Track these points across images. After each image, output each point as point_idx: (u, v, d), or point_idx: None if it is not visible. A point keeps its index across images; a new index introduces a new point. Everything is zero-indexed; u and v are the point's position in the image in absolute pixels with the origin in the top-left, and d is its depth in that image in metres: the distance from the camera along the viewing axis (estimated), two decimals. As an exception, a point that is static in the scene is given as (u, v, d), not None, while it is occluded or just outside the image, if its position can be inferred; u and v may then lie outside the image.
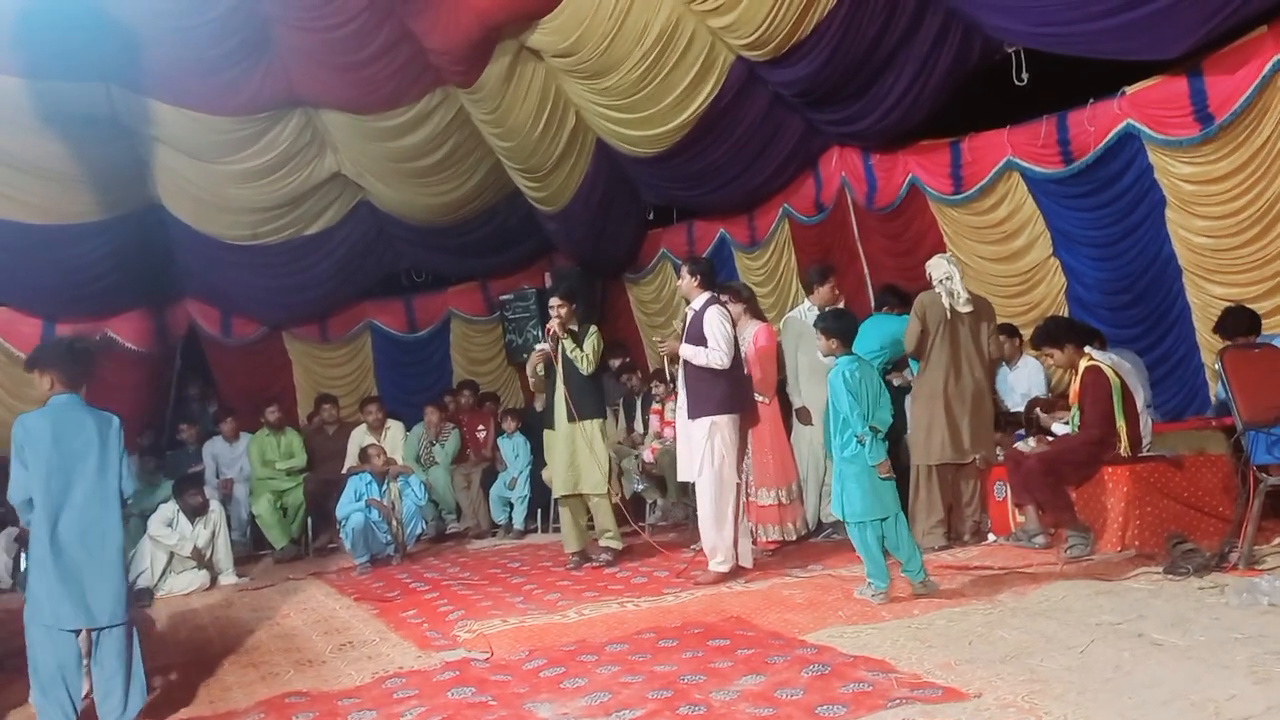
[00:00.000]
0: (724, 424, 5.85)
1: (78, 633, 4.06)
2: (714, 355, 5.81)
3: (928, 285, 6.36)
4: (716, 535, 5.85)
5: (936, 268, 6.24)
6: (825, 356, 5.25)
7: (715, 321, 5.85)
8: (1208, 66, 5.83)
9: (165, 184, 9.56)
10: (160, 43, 8.06)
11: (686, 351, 5.89)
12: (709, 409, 5.86)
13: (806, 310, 6.93)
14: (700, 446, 5.85)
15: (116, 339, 10.13)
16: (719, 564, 5.86)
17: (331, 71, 8.70)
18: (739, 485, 5.96)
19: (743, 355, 6.42)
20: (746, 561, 6.02)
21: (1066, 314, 6.91)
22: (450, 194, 10.17)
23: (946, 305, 6.15)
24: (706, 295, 6.01)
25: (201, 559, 7.60)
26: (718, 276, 6.75)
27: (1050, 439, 6.04)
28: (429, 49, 8.51)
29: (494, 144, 9.56)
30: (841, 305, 6.80)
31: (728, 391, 5.89)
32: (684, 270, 6.19)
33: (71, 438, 4.06)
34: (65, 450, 4.04)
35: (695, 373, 5.91)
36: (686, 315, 6.08)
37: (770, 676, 3.77)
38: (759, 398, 6.54)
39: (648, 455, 8.26)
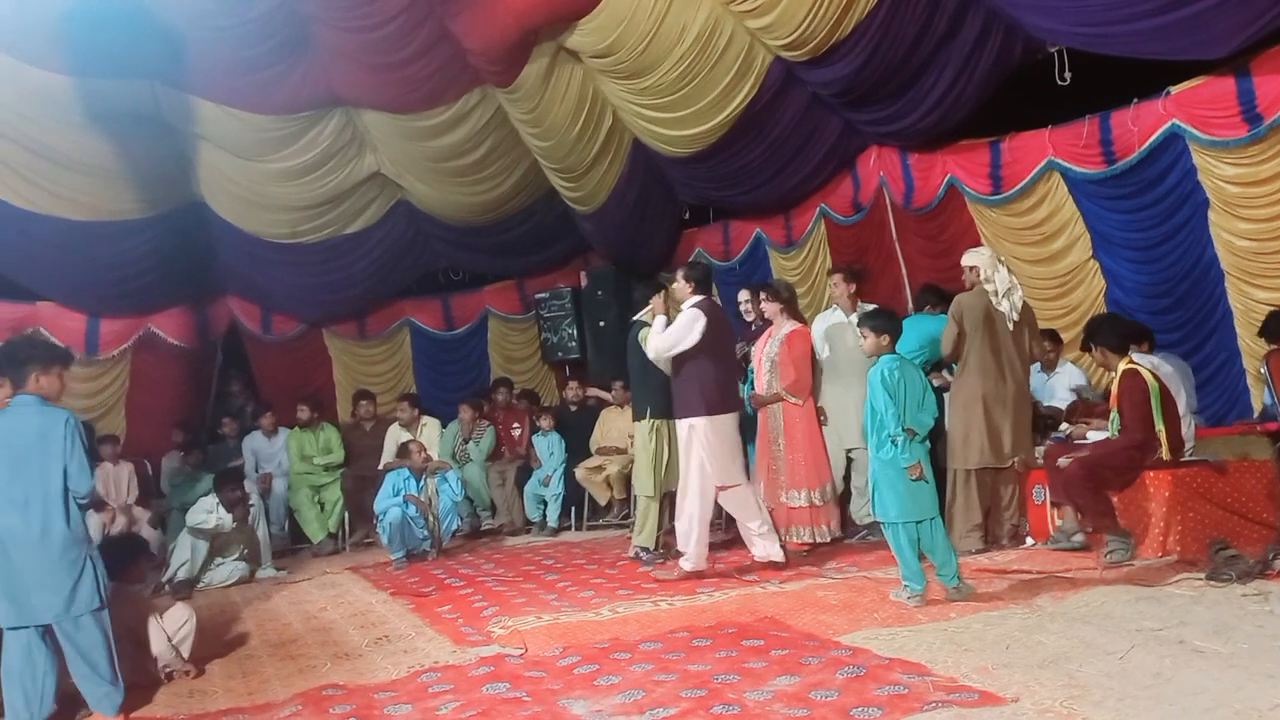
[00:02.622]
0: (701, 426, 5.94)
1: (43, 631, 4.10)
2: (655, 338, 6.03)
3: (964, 285, 6.32)
4: (692, 535, 5.97)
5: (993, 271, 6.13)
6: (871, 355, 5.20)
7: (681, 318, 6.01)
8: (1255, 66, 5.74)
9: (208, 182, 9.68)
10: (203, 42, 8.15)
11: (659, 324, 6.11)
12: (686, 411, 6.00)
13: (831, 312, 6.98)
14: (683, 447, 6.02)
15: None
16: (688, 563, 5.99)
17: (371, 71, 8.77)
18: (738, 487, 6.06)
19: (751, 358, 6.48)
20: (778, 556, 6.06)
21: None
22: (488, 193, 10.22)
23: (986, 304, 6.09)
24: (697, 299, 6.09)
25: (245, 547, 7.72)
26: (714, 281, 6.90)
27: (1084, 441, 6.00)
28: (467, 49, 8.55)
29: (531, 143, 9.60)
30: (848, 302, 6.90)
31: (705, 394, 5.98)
32: (679, 275, 6.24)
33: (16, 438, 4.09)
34: (11, 451, 4.08)
35: (674, 375, 6.07)
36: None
37: (804, 677, 3.76)
38: (792, 399, 6.54)
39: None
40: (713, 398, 5.99)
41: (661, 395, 6.46)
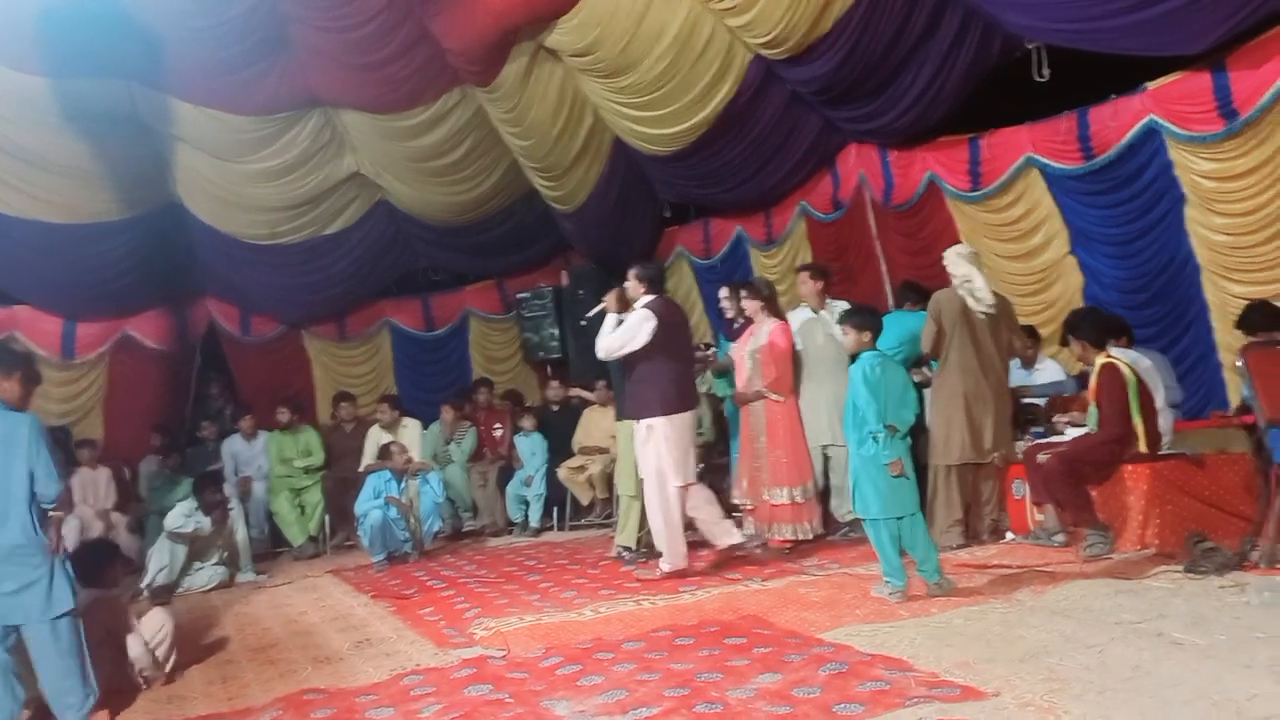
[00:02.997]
0: (660, 426, 5.96)
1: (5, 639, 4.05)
2: (604, 338, 6.06)
3: (945, 281, 6.34)
4: (665, 535, 6.00)
5: (955, 266, 6.20)
6: (851, 352, 5.21)
7: (631, 318, 6.03)
8: (1231, 62, 5.77)
9: (185, 183, 9.62)
10: (181, 42, 8.10)
11: (610, 323, 6.15)
12: (643, 411, 6.02)
13: (799, 310, 7.04)
14: (640, 448, 6.04)
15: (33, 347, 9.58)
16: (667, 564, 6.01)
17: (350, 71, 8.73)
18: (692, 485, 6.10)
19: (727, 356, 6.51)
20: (739, 537, 6.18)
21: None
22: (468, 193, 10.19)
23: (961, 304, 6.12)
24: (649, 299, 6.12)
25: (224, 551, 7.67)
26: (666, 283, 7.14)
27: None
28: (447, 49, 8.52)
29: (511, 143, 9.58)
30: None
31: (660, 394, 6.01)
32: (632, 274, 6.24)
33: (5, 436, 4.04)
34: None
35: (627, 376, 6.10)
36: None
37: (787, 675, 3.76)
38: (774, 397, 6.54)
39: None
40: (670, 397, 6.02)
41: None
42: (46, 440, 4.16)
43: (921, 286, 7.11)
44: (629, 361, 6.06)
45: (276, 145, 9.30)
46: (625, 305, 6.26)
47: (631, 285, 6.18)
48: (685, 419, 6.07)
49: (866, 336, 5.10)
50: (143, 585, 7.40)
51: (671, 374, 6.06)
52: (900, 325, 6.68)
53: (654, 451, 5.97)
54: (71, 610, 4.15)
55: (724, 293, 7.48)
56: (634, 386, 6.09)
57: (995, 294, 6.36)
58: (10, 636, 4.07)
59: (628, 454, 6.72)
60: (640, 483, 6.48)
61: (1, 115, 8.15)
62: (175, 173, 9.50)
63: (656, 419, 5.96)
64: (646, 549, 6.68)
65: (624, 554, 6.72)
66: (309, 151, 9.50)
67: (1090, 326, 5.75)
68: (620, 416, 6.85)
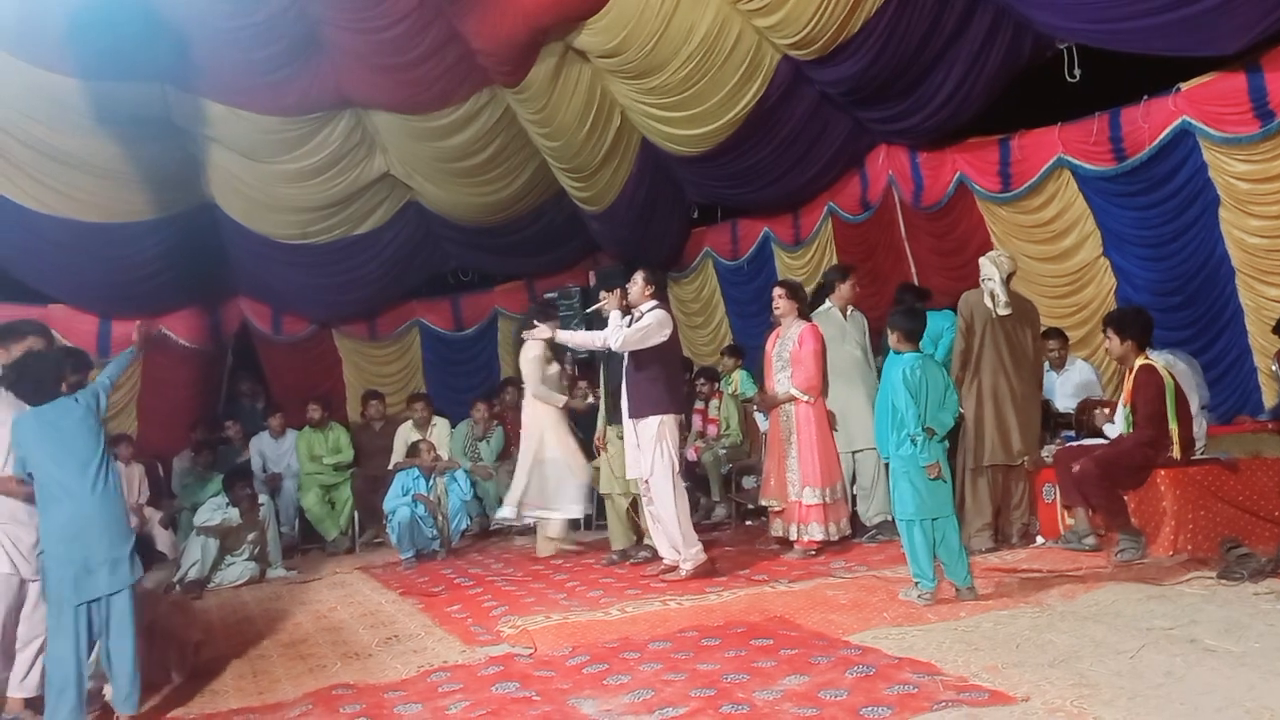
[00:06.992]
0: (670, 423, 6.06)
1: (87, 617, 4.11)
2: (621, 330, 6.12)
3: (975, 283, 6.30)
4: (680, 531, 6.01)
5: (983, 267, 6.18)
6: (894, 353, 5.20)
7: (653, 316, 6.10)
8: (1266, 62, 5.72)
9: (218, 183, 9.71)
10: (212, 43, 8.18)
11: (614, 319, 6.25)
12: (654, 409, 6.07)
13: (827, 310, 6.95)
14: (650, 446, 6.04)
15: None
16: (689, 561, 6.01)
17: (380, 72, 8.79)
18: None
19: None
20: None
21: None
22: (497, 194, 10.24)
23: (990, 305, 6.09)
24: (653, 304, 6.22)
25: (256, 545, 7.75)
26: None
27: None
28: (476, 50, 8.57)
29: (540, 143, 9.61)
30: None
31: (668, 392, 6.13)
32: (640, 277, 6.30)
33: (58, 425, 4.19)
34: (55, 437, 4.16)
35: (636, 374, 6.13)
36: (634, 316, 6.24)
37: (814, 677, 3.76)
38: (803, 398, 6.52)
39: (691, 454, 8.25)
40: (676, 396, 6.26)
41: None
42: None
43: (919, 288, 7.08)
44: (638, 362, 6.11)
45: (308, 146, 9.38)
46: (623, 305, 6.36)
47: (638, 287, 6.26)
48: (679, 419, 6.28)
49: (905, 340, 5.09)
50: (174, 580, 7.48)
51: (675, 376, 6.32)
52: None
53: (664, 448, 6.01)
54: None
55: (779, 291, 7.23)
56: (643, 385, 6.11)
57: (1021, 297, 6.32)
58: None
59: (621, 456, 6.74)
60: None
61: (36, 116, 8.25)
62: (208, 173, 9.59)
63: (667, 415, 6.05)
64: (650, 551, 6.68)
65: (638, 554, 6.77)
66: (340, 152, 9.57)
67: (1141, 327, 5.68)
68: (612, 420, 6.81)
